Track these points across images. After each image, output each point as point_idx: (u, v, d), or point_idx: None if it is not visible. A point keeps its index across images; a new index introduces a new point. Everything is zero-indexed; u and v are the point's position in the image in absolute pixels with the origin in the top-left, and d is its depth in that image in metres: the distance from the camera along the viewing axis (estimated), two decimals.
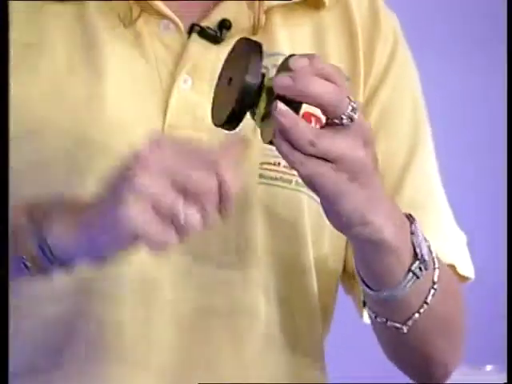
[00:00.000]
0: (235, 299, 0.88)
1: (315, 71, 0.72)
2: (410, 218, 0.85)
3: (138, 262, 0.85)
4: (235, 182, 0.71)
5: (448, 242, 0.98)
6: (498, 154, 2.63)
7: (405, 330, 0.86)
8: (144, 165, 0.69)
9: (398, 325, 0.87)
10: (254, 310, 0.89)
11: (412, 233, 0.83)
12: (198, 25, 0.88)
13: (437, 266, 0.85)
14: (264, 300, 0.89)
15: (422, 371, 0.98)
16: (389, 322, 0.87)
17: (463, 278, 0.99)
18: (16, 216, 0.81)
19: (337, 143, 0.73)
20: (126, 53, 0.89)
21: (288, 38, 0.94)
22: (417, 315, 0.86)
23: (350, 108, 0.73)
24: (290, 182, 0.90)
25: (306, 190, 0.87)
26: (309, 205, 0.90)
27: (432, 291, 0.85)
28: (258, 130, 0.80)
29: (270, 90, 0.74)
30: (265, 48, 0.86)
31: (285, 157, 0.74)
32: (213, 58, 0.89)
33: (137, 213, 0.68)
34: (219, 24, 0.89)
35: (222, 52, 0.87)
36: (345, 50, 0.97)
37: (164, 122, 0.88)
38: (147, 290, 0.88)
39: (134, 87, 0.89)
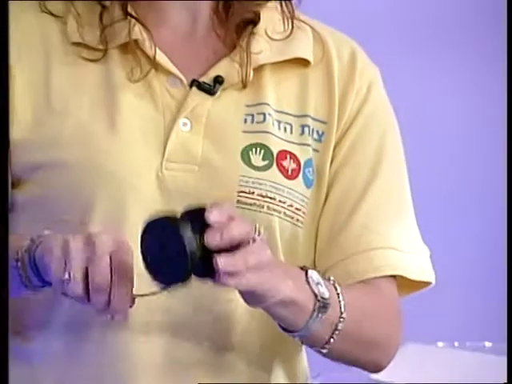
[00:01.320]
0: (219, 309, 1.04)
1: (228, 218, 0.89)
2: (303, 268, 1.00)
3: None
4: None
5: (401, 255, 1.11)
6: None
7: (325, 351, 1.01)
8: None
9: (318, 349, 1.02)
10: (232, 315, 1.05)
11: (307, 281, 0.98)
12: (197, 80, 1.05)
13: (341, 299, 1.00)
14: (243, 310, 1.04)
15: (357, 367, 1.12)
16: (312, 347, 1.03)
17: (421, 283, 1.12)
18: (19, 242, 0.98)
19: (258, 257, 0.91)
20: (138, 101, 1.06)
21: (275, 90, 1.09)
22: (332, 341, 1.01)
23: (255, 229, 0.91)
24: (263, 207, 1.06)
25: (276, 213, 1.06)
26: (280, 225, 1.06)
27: (341, 320, 1.00)
28: (235, 166, 1.02)
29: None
30: (251, 99, 1.08)
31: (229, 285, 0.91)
32: (208, 106, 1.05)
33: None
34: (214, 79, 1.06)
35: (215, 102, 1.06)
36: (324, 99, 1.11)
37: (163, 156, 1.04)
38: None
39: (143, 127, 1.05)
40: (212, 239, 0.87)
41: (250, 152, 1.07)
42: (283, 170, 1.07)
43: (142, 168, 1.03)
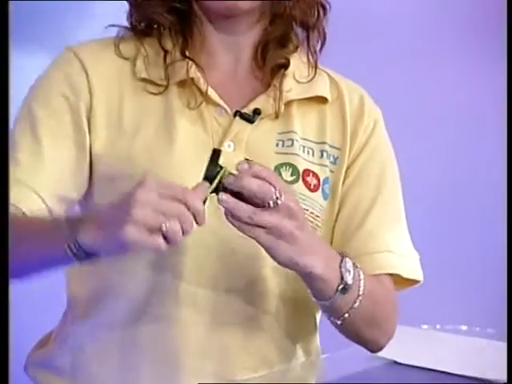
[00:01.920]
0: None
1: (252, 173, 1.01)
2: (343, 254, 1.14)
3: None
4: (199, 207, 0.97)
5: (398, 257, 1.27)
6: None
7: (339, 323, 1.16)
8: (136, 198, 0.95)
9: (334, 320, 1.16)
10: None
11: (340, 266, 1.12)
12: (239, 111, 1.21)
13: (362, 285, 1.15)
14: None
15: (361, 344, 1.27)
16: (329, 318, 1.17)
17: (412, 281, 1.29)
18: (56, 220, 1.08)
19: (265, 218, 1.01)
20: (192, 126, 1.22)
21: (300, 121, 1.26)
22: (347, 315, 1.15)
23: (275, 197, 1.01)
24: None
25: (306, 214, 1.22)
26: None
27: (358, 301, 1.15)
28: None
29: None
30: (282, 127, 1.24)
31: (233, 224, 1.02)
32: (248, 132, 1.22)
33: (132, 230, 0.94)
34: (253, 111, 1.22)
35: (254, 129, 1.22)
36: (338, 130, 1.28)
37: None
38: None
39: (196, 147, 1.20)
40: (227, 179, 1.01)
41: (281, 169, 1.23)
42: (307, 184, 1.23)
43: (193, 180, 1.10)
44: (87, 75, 1.21)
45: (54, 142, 1.20)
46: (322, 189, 1.25)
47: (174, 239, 0.95)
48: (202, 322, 1.20)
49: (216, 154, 1.03)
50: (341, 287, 1.12)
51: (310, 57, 1.26)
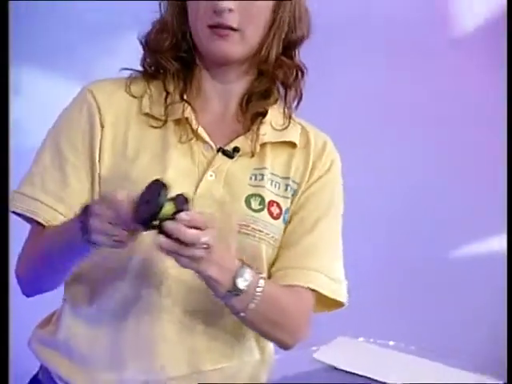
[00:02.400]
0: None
1: (187, 223, 1.17)
2: (243, 265, 1.29)
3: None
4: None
5: (324, 277, 1.40)
6: None
7: (240, 318, 1.31)
8: (95, 210, 1.19)
9: (235, 315, 1.31)
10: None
11: (235, 273, 1.27)
12: (222, 148, 1.38)
13: (259, 291, 1.29)
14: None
15: (270, 341, 1.43)
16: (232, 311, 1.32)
17: (337, 303, 1.41)
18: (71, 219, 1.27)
19: (186, 253, 1.19)
20: (183, 157, 1.38)
21: (272, 160, 1.42)
22: (243, 314, 1.30)
23: (203, 243, 1.19)
24: (255, 236, 1.38)
25: (263, 241, 1.37)
26: (265, 249, 1.38)
27: (252, 304, 1.29)
28: (240, 207, 1.35)
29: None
30: (257, 164, 1.40)
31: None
32: (228, 166, 1.38)
33: (92, 233, 1.19)
34: (233, 149, 1.39)
35: (233, 163, 1.38)
36: (300, 169, 1.43)
37: (195, 194, 1.35)
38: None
39: (184, 175, 1.36)
40: (166, 224, 1.17)
41: (251, 199, 1.39)
42: (271, 213, 1.39)
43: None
44: (101, 115, 1.39)
45: (76, 174, 1.39)
46: (283, 216, 1.41)
47: (118, 242, 1.20)
48: (174, 320, 1.37)
49: (164, 188, 1.18)
50: (232, 290, 1.29)
51: (286, 110, 1.43)
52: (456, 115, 2.91)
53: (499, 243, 2.89)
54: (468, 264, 2.96)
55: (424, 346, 1.66)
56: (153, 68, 1.42)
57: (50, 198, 1.38)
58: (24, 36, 2.52)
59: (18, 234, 1.38)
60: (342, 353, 1.53)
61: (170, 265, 1.30)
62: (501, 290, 2.51)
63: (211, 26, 1.36)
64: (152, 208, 1.17)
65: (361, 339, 1.64)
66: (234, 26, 1.36)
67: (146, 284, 1.37)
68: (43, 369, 1.47)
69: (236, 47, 1.37)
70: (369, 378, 1.47)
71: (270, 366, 1.47)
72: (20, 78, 2.59)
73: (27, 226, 1.45)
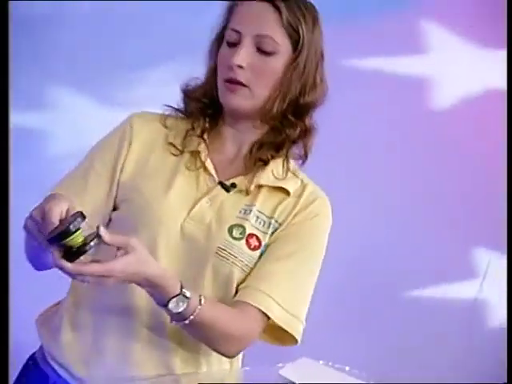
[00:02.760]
0: None
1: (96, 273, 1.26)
2: (181, 291, 1.34)
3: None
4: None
5: (277, 306, 1.45)
6: None
7: (186, 323, 1.37)
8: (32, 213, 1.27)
9: (176, 322, 1.38)
10: None
11: (169, 298, 1.34)
12: (222, 182, 1.49)
13: (198, 309, 1.36)
14: None
15: (211, 348, 1.47)
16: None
17: (291, 340, 1.48)
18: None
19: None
20: (187, 183, 1.49)
21: (263, 200, 1.50)
22: (182, 324, 1.37)
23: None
24: (228, 259, 1.45)
25: (235, 266, 1.44)
26: (236, 273, 1.45)
27: (184, 323, 1.36)
28: (223, 233, 1.44)
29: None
30: (249, 201, 1.48)
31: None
32: (223, 197, 1.48)
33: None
34: (231, 184, 1.49)
35: (229, 196, 1.48)
36: (286, 213, 1.50)
37: (188, 216, 1.46)
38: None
39: (184, 198, 1.47)
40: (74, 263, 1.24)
41: (234, 228, 1.47)
42: (249, 244, 1.47)
43: (174, 219, 1.46)
44: (132, 135, 1.52)
45: (97, 181, 1.51)
46: (261, 249, 1.49)
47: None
48: (144, 333, 1.49)
49: (80, 218, 1.25)
50: (166, 309, 1.37)
51: (285, 164, 1.52)
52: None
53: (470, 289, 2.96)
54: (436, 303, 2.98)
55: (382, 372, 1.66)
56: (185, 109, 1.56)
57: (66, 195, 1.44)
58: (64, 56, 2.60)
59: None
60: (303, 372, 1.53)
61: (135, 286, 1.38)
62: (466, 327, 2.67)
63: (225, 80, 1.47)
64: (60, 229, 1.23)
65: (321, 362, 1.62)
66: (244, 81, 1.46)
67: (121, 298, 1.47)
68: (41, 348, 1.58)
69: (244, 101, 1.47)
70: None
71: (238, 376, 1.56)
72: (58, 93, 2.64)
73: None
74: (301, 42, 1.48)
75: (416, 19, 2.85)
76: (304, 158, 1.53)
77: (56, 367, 1.54)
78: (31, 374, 1.58)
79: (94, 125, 2.42)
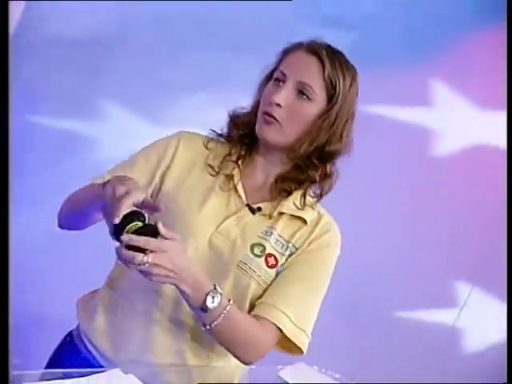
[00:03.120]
0: None
1: (127, 243, 1.27)
2: (215, 287, 1.38)
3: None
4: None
5: (289, 322, 1.48)
6: None
7: (205, 329, 1.40)
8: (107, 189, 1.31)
9: (203, 325, 1.41)
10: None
11: (207, 293, 1.37)
12: (249, 204, 1.53)
13: (224, 312, 1.38)
14: None
15: (232, 354, 1.50)
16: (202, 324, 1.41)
17: (296, 349, 1.51)
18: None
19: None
20: (220, 201, 1.53)
21: (283, 225, 1.53)
22: (208, 327, 1.40)
23: (142, 261, 1.27)
24: (248, 272, 1.49)
25: (253, 279, 1.48)
26: (252, 286, 1.50)
27: (218, 320, 1.39)
28: (245, 249, 1.47)
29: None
30: (270, 224, 1.51)
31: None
32: (248, 218, 1.52)
33: None
34: (257, 208, 1.53)
35: (254, 218, 1.52)
36: (303, 239, 1.53)
37: (216, 230, 1.50)
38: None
39: (214, 214, 1.51)
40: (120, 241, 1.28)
41: (256, 246, 1.51)
42: (267, 262, 1.52)
43: (204, 232, 1.50)
44: (175, 155, 1.57)
45: (137, 174, 1.53)
46: (277, 269, 1.54)
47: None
48: (165, 326, 1.54)
49: (138, 213, 1.30)
50: (202, 305, 1.40)
51: (302, 198, 1.56)
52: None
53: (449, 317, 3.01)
54: (417, 325, 3.05)
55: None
56: (227, 135, 1.61)
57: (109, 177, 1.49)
58: (120, 75, 2.68)
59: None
60: (299, 375, 1.58)
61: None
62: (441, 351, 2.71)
63: (263, 113, 1.52)
64: (122, 220, 1.30)
65: (315, 367, 1.68)
66: (277, 118, 1.51)
67: (150, 294, 1.53)
68: (78, 327, 1.65)
69: (275, 135, 1.52)
70: None
71: (243, 373, 1.59)
72: (108, 106, 2.72)
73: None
74: (336, 96, 1.52)
75: (427, 76, 2.95)
76: (319, 197, 1.58)
77: (88, 344, 1.61)
78: (66, 348, 1.65)
79: (138, 137, 2.40)
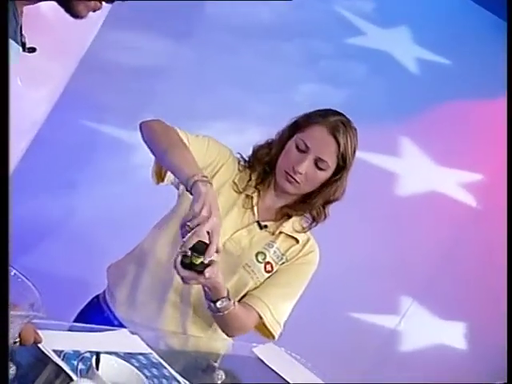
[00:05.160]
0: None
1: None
2: (228, 294, 1.43)
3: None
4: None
5: (270, 314, 1.53)
6: None
7: (216, 315, 1.44)
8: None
9: (213, 313, 1.44)
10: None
11: (219, 298, 1.42)
12: (259, 222, 1.56)
13: (230, 308, 1.42)
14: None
15: (224, 331, 1.53)
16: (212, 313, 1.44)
17: (270, 335, 1.55)
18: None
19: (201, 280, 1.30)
20: (238, 215, 1.55)
21: (282, 241, 1.56)
22: (219, 314, 1.44)
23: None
24: (249, 273, 1.54)
25: (252, 279, 1.51)
26: (251, 284, 1.53)
27: (219, 314, 1.43)
28: (251, 255, 1.49)
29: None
30: (272, 239, 1.53)
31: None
32: (256, 231, 1.54)
33: None
34: (264, 225, 1.56)
35: (261, 231, 1.54)
36: (293, 254, 1.57)
37: (230, 237, 1.51)
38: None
39: (232, 225, 1.52)
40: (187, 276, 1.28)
41: (259, 254, 1.55)
42: (265, 268, 1.56)
43: (221, 238, 1.40)
44: (222, 167, 1.55)
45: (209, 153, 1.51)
46: (271, 273, 1.58)
47: None
48: (177, 302, 1.55)
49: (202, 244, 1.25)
50: (214, 303, 1.46)
51: (299, 225, 1.58)
52: None
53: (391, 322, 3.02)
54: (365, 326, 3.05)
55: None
56: (251, 162, 1.61)
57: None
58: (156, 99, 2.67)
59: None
60: (268, 353, 1.62)
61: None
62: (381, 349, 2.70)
63: (288, 174, 1.53)
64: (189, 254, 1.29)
65: (282, 349, 1.72)
66: (298, 181, 1.53)
67: (170, 275, 1.50)
68: (105, 290, 1.64)
69: (293, 190, 1.54)
70: (278, 374, 1.56)
71: (226, 344, 1.64)
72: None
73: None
74: (346, 167, 1.55)
75: (400, 133, 2.99)
76: (311, 226, 1.61)
77: (110, 305, 1.62)
78: (92, 307, 1.67)
79: None
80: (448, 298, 3.06)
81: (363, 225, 2.94)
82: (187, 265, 1.29)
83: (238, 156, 1.62)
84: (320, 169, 1.54)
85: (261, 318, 1.55)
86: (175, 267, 1.29)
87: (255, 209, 1.56)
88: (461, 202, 3.03)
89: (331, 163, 1.54)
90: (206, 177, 1.31)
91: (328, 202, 1.59)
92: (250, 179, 1.58)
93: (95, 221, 2.60)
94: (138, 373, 0.99)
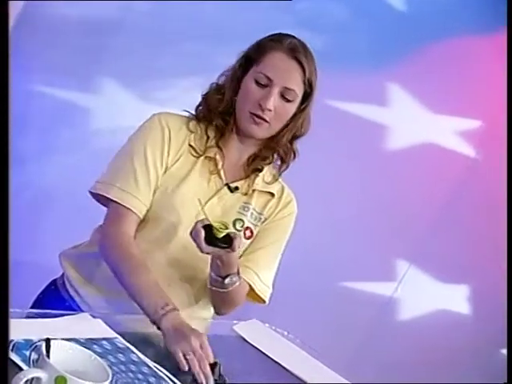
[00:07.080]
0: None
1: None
2: (238, 271, 1.48)
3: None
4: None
5: (259, 280, 1.59)
6: None
7: (220, 291, 1.49)
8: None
9: (219, 289, 1.49)
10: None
11: (228, 274, 1.46)
12: (228, 184, 1.55)
13: (235, 283, 1.48)
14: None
15: (217, 308, 1.59)
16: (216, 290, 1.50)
17: (260, 299, 1.60)
18: None
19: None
20: (202, 180, 1.53)
21: (256, 199, 1.59)
22: (225, 290, 1.49)
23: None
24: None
25: None
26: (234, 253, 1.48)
27: (222, 290, 1.49)
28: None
29: None
30: (246, 200, 1.56)
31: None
32: (227, 196, 1.55)
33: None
34: (235, 187, 1.55)
35: (232, 195, 1.54)
36: (272, 209, 1.60)
37: (203, 207, 1.45)
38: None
39: (199, 193, 1.51)
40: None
41: (237, 221, 1.56)
42: (244, 235, 1.58)
43: (191, 209, 1.50)
44: (170, 143, 1.52)
45: (154, 177, 1.52)
46: (252, 238, 1.60)
47: None
48: (176, 279, 1.57)
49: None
50: (223, 279, 1.49)
51: (276, 174, 1.61)
52: None
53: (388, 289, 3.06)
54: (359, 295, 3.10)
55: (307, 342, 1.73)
56: (203, 115, 1.57)
57: (140, 194, 1.50)
58: (117, 54, 2.63)
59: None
60: (251, 330, 1.62)
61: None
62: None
63: (253, 114, 1.50)
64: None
65: (266, 325, 1.73)
66: (268, 120, 1.51)
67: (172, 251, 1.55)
68: (62, 276, 1.63)
69: (262, 133, 1.53)
70: (263, 353, 1.55)
71: (207, 325, 1.65)
72: (105, 81, 2.67)
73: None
74: (312, 93, 1.55)
75: (386, 79, 2.98)
76: (281, 172, 1.63)
77: (73, 294, 1.60)
78: (51, 295, 1.64)
79: (128, 111, 2.50)
80: (448, 259, 3.08)
81: (352, 184, 2.95)
82: (212, 238, 1.39)
83: (186, 114, 1.58)
84: (288, 100, 1.52)
85: (250, 286, 1.59)
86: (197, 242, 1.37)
87: (221, 172, 1.55)
88: (459, 153, 3.04)
89: (298, 91, 1.53)
90: (168, 304, 1.37)
91: (295, 137, 1.59)
92: (208, 137, 1.55)
93: (51, 197, 2.55)
94: (98, 358, 0.98)
